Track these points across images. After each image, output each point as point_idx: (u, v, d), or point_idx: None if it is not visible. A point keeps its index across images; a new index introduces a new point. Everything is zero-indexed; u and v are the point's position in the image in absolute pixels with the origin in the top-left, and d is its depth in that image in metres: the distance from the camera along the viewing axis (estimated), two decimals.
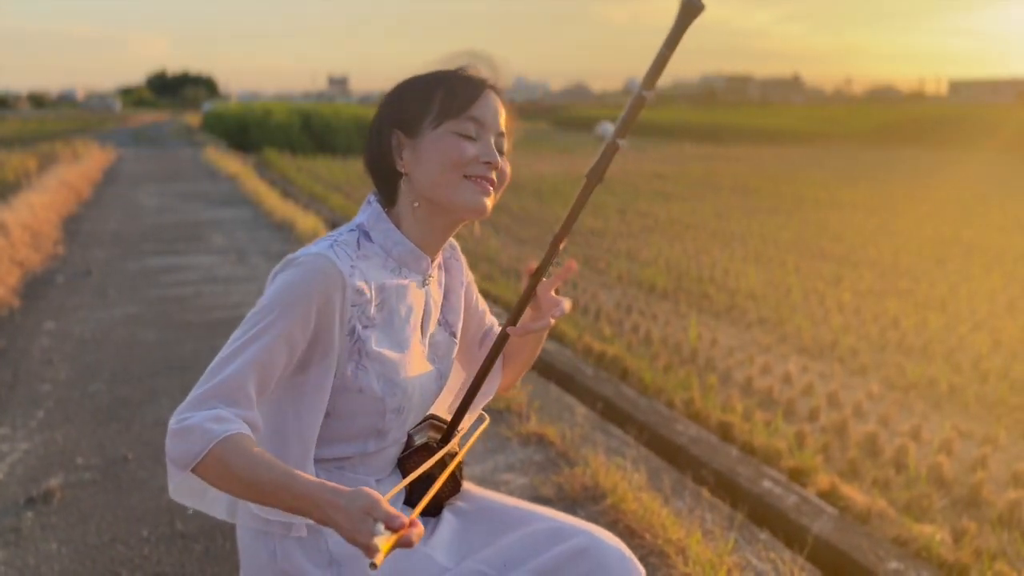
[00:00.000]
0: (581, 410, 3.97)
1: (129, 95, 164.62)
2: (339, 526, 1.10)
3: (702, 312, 6.56)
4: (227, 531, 2.79)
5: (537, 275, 1.43)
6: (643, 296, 7.12)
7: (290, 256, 1.32)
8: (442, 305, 1.51)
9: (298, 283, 1.27)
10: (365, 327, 1.33)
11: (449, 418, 1.52)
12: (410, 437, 1.50)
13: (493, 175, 1.36)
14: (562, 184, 15.58)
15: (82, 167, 16.26)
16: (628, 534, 2.61)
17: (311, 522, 1.31)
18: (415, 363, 1.41)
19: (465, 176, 1.34)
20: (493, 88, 1.38)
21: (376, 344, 1.35)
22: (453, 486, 1.50)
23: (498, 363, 1.58)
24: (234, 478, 1.16)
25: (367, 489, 1.10)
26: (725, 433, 4.09)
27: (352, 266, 1.32)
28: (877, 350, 5.52)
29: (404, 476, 1.44)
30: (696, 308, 6.68)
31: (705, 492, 3.10)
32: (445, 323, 1.51)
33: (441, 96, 1.34)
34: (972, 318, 6.21)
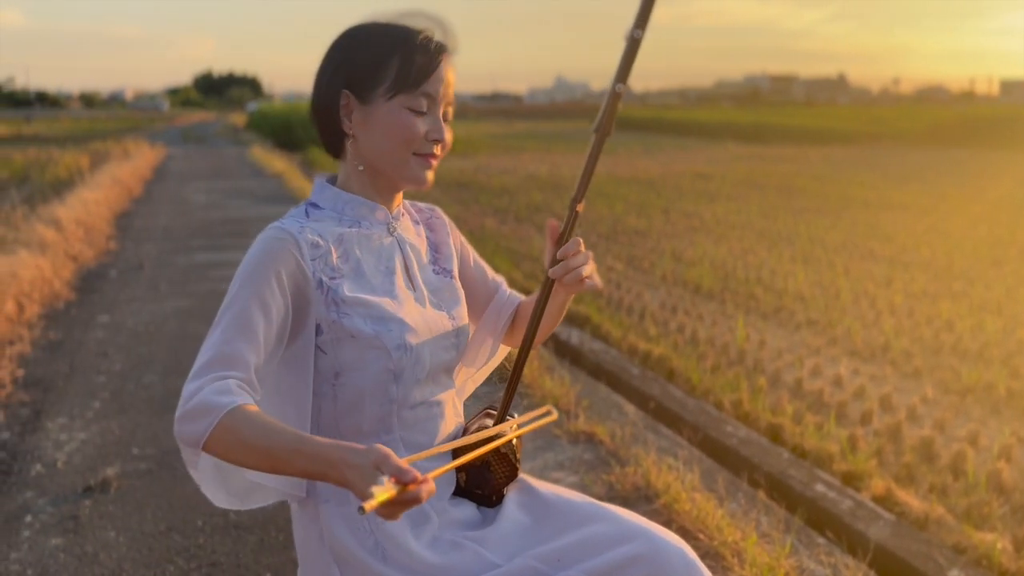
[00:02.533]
0: (630, 409, 3.94)
1: (176, 95, 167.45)
2: (351, 483, 1.09)
3: (749, 313, 6.48)
4: (281, 523, 2.82)
5: (561, 240, 1.46)
6: (688, 296, 7.05)
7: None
8: (435, 257, 1.54)
9: (255, 254, 1.33)
10: (332, 278, 1.36)
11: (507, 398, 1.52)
12: (467, 427, 1.50)
13: (438, 149, 1.40)
14: (604, 184, 15.51)
15: (133, 165, 16.58)
16: (682, 534, 2.58)
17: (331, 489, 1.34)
18: (410, 303, 1.42)
19: (414, 153, 1.38)
20: (447, 56, 1.39)
21: (349, 291, 1.36)
22: (509, 471, 1.47)
23: (501, 326, 1.61)
24: (245, 447, 1.17)
25: (379, 445, 1.11)
26: (775, 435, 4.02)
27: (302, 227, 1.36)
28: (931, 353, 5.40)
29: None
30: (743, 309, 6.60)
31: (760, 494, 3.05)
32: (442, 271, 1.53)
33: (397, 65, 1.35)
34: None
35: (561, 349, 5.32)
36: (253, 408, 1.20)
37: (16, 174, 15.54)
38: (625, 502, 2.87)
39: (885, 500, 3.33)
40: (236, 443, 1.17)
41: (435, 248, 1.55)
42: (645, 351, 5.30)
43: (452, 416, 1.50)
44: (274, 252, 1.32)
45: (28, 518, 2.88)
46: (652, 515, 2.75)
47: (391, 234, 1.46)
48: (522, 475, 1.52)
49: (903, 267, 8.08)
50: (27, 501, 3.01)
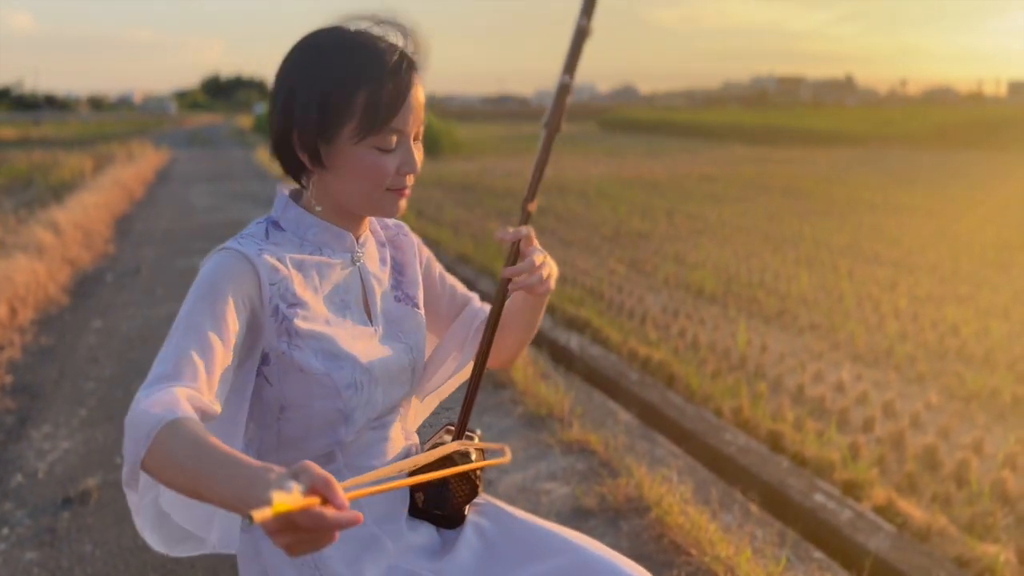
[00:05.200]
0: (625, 417, 3.86)
1: (184, 98, 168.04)
2: (251, 486, 0.90)
3: (752, 317, 6.39)
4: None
5: (515, 247, 1.38)
6: (691, 300, 6.97)
7: (203, 260, 1.27)
8: (399, 281, 1.45)
9: (208, 274, 1.22)
10: (290, 305, 1.26)
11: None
12: (421, 445, 1.43)
13: (411, 179, 1.31)
14: (609, 186, 15.43)
15: (136, 167, 16.57)
16: (673, 550, 2.50)
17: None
18: (365, 340, 1.33)
19: (386, 189, 1.29)
20: (417, 77, 1.28)
21: (305, 321, 1.26)
22: (470, 489, 1.39)
23: (469, 338, 1.52)
24: (174, 465, 0.99)
25: (308, 462, 0.91)
26: (775, 443, 3.94)
27: (260, 250, 1.26)
28: (936, 358, 5.31)
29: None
30: (745, 313, 6.51)
31: (754, 506, 2.97)
32: (405, 297, 1.44)
33: (363, 104, 1.23)
34: None
35: (558, 354, 5.24)
36: (188, 421, 1.05)
37: (19, 177, 15.54)
38: (617, 514, 2.79)
39: (886, 510, 3.24)
40: (168, 460, 1.02)
41: (399, 270, 1.46)
42: (645, 356, 5.22)
43: (400, 437, 1.42)
44: (230, 273, 1.22)
45: (5, 530, 2.82)
46: (644, 529, 2.67)
47: (354, 263, 1.37)
48: (483, 495, 1.44)
49: (908, 270, 7.98)
50: (5, 513, 2.95)
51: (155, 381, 1.13)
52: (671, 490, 2.81)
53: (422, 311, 1.46)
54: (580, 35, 1.32)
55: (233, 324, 1.20)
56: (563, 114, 1.34)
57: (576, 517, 2.80)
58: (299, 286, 1.28)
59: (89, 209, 9.75)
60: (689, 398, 4.55)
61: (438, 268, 1.55)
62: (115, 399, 4.09)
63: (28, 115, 77.06)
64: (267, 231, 1.32)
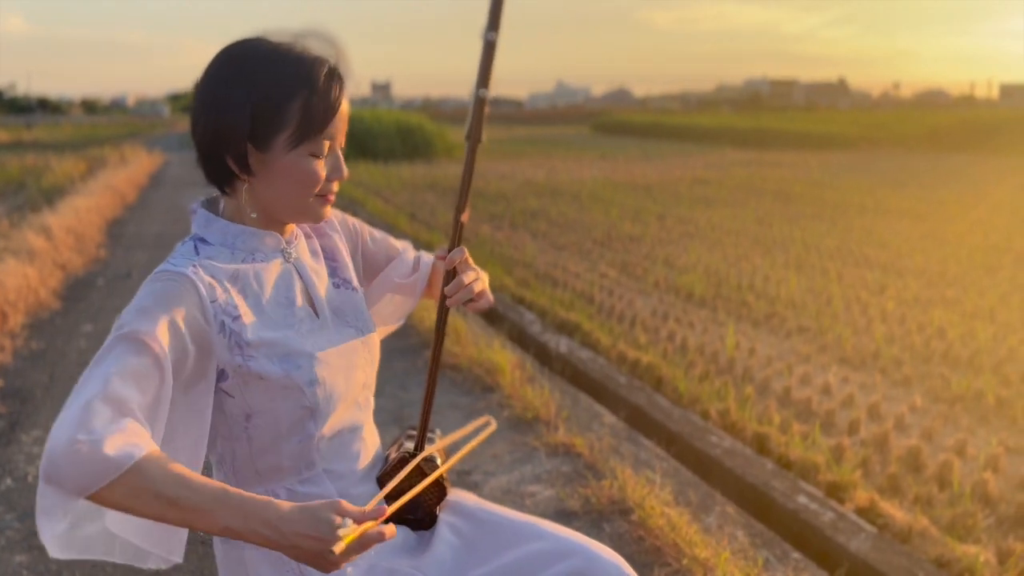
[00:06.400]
0: (611, 420, 3.89)
1: (177, 101, 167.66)
2: (274, 542, 1.05)
3: (740, 320, 6.43)
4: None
5: (449, 255, 1.45)
6: (680, 303, 7.01)
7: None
8: (333, 268, 1.47)
9: (146, 297, 1.20)
10: (235, 318, 1.27)
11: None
12: (389, 454, 1.46)
13: (337, 186, 1.35)
14: (602, 190, 15.47)
15: (129, 171, 16.56)
16: (654, 552, 2.54)
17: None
18: (316, 333, 1.35)
19: (315, 195, 1.32)
20: (344, 85, 1.31)
21: (253, 332, 1.28)
22: (439, 492, 1.44)
23: (418, 285, 1.60)
24: (155, 497, 1.05)
25: (339, 500, 1.10)
26: (761, 446, 3.98)
27: (194, 267, 1.26)
28: (921, 361, 5.35)
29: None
30: (734, 316, 6.55)
31: (734, 508, 3.00)
32: (343, 282, 1.47)
33: (299, 112, 1.25)
34: (1023, 329, 6.01)
35: (546, 358, 5.27)
36: (162, 457, 1.09)
37: (11, 181, 15.52)
38: (600, 516, 2.83)
39: (868, 512, 3.28)
40: (142, 492, 1.05)
41: (331, 257, 1.49)
42: (634, 359, 5.26)
43: (371, 438, 1.47)
44: (171, 295, 1.20)
45: None
46: (626, 531, 2.71)
47: (287, 261, 1.38)
48: (453, 493, 1.49)
49: (897, 274, 8.04)
50: None
51: (87, 410, 1.06)
52: (653, 492, 2.85)
53: (360, 291, 1.49)
54: (489, 48, 1.38)
55: (176, 344, 1.18)
56: (482, 125, 1.40)
57: (560, 519, 2.83)
58: (239, 297, 1.29)
59: (81, 213, 9.76)
60: (676, 401, 4.59)
61: (367, 230, 1.59)
62: None
63: (20, 118, 76.82)
64: (196, 248, 1.31)
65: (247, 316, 1.29)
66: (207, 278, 1.26)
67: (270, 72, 1.26)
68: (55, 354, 4.98)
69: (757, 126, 40.45)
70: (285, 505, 1.09)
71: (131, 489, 1.05)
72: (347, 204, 13.02)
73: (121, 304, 5.01)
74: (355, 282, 1.50)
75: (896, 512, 3.25)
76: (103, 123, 68.81)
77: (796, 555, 2.68)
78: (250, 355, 1.27)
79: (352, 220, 1.56)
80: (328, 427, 1.35)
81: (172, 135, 45.55)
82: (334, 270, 1.48)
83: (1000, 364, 5.22)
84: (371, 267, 1.58)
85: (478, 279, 1.44)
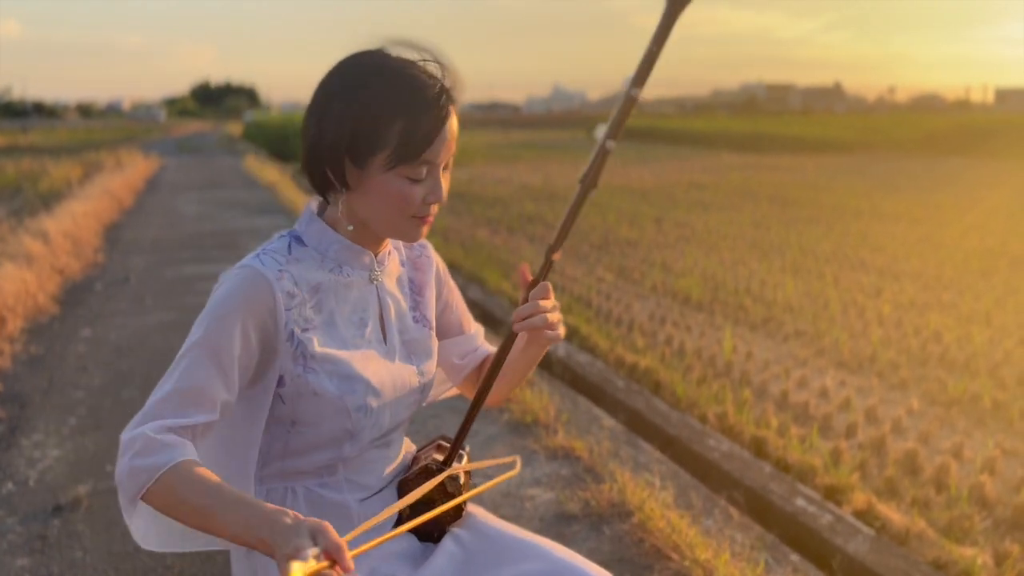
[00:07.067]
0: (609, 423, 3.91)
1: (174, 105, 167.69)
2: (276, 548, 1.04)
3: (738, 324, 6.45)
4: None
5: (532, 286, 1.42)
6: (677, 307, 7.03)
7: (224, 273, 1.31)
8: (416, 302, 1.47)
9: (225, 297, 1.26)
10: (304, 329, 1.29)
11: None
12: (416, 457, 1.47)
13: (435, 208, 1.33)
14: (598, 194, 15.39)
15: (125, 176, 16.55)
16: (654, 554, 2.55)
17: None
18: (378, 360, 1.37)
19: (411, 216, 1.31)
20: (452, 108, 1.28)
21: (320, 345, 1.30)
22: (455, 512, 1.45)
23: (464, 371, 1.57)
24: (183, 505, 1.13)
25: (321, 522, 1.06)
26: (759, 449, 3.99)
27: (280, 271, 1.29)
28: (918, 364, 5.38)
29: (400, 498, 1.40)
30: (732, 320, 6.57)
31: (735, 511, 3.02)
32: (422, 318, 1.47)
33: (399, 132, 1.23)
34: (1018, 332, 6.03)
35: (545, 362, 5.29)
36: (195, 464, 1.16)
37: (8, 186, 15.51)
38: (600, 519, 2.84)
39: (866, 514, 3.30)
40: (174, 501, 1.14)
41: (417, 291, 1.48)
42: (632, 363, 5.27)
43: (400, 453, 1.49)
44: (249, 296, 1.25)
45: None
46: (626, 533, 2.72)
47: (371, 281, 1.39)
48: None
49: (893, 277, 8.07)
50: None
51: (161, 409, 1.21)
52: (653, 495, 2.86)
53: (434, 334, 1.49)
54: (629, 102, 1.34)
55: (245, 348, 1.25)
56: (600, 173, 1.37)
57: (559, 522, 2.85)
58: (314, 310, 1.31)
59: (78, 218, 9.75)
60: (674, 405, 4.61)
61: (456, 294, 1.58)
62: (104, 408, 4.12)
63: (16, 123, 76.74)
64: (290, 246, 1.33)
65: (318, 329, 1.31)
66: (289, 286, 1.28)
67: (376, 90, 1.24)
68: (54, 359, 4.98)
69: (753, 130, 40.55)
70: (279, 510, 1.09)
71: (163, 497, 1.14)
72: None
73: (120, 309, 5.01)
74: (433, 323, 1.49)
75: (894, 514, 3.27)
76: (99, 127, 68.74)
77: (795, 557, 2.69)
78: (311, 368, 1.30)
79: (445, 272, 1.56)
80: (361, 448, 1.39)
81: (168, 139, 45.53)
82: (417, 304, 1.47)
83: (996, 367, 5.24)
84: (440, 330, 1.56)
85: (555, 308, 1.42)
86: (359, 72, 1.26)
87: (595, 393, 4.71)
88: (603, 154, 1.36)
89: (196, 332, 1.25)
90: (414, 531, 1.43)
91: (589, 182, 1.38)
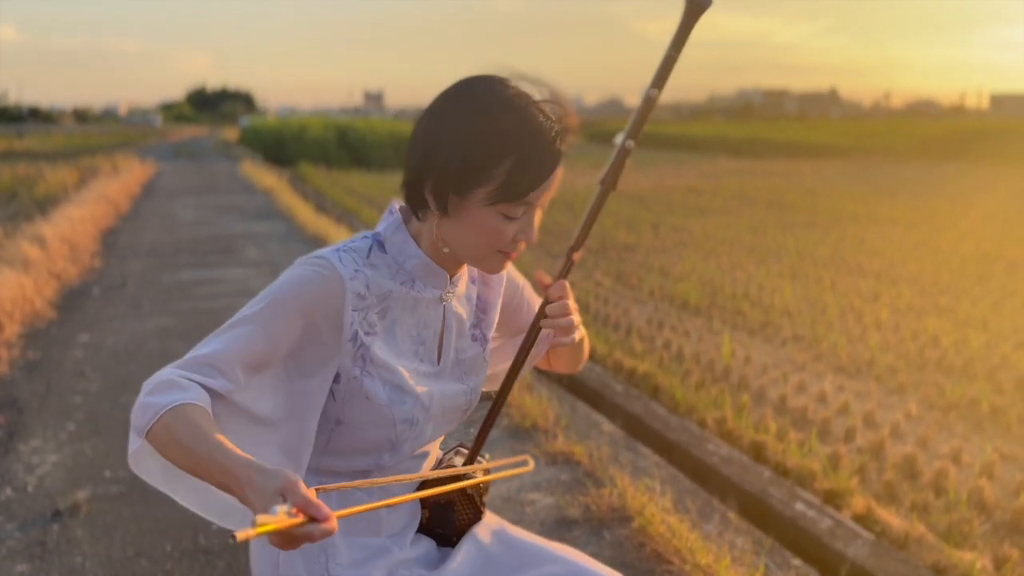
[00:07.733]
0: (609, 428, 3.91)
1: (170, 110, 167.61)
2: (251, 505, 1.03)
3: (736, 329, 6.46)
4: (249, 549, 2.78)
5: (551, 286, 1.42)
6: (675, 312, 7.03)
7: (302, 257, 1.31)
8: (479, 319, 1.46)
9: (295, 281, 1.26)
10: (367, 333, 1.29)
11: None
12: (440, 460, 1.48)
13: (523, 246, 1.31)
14: None
15: (121, 181, 16.53)
16: (655, 558, 2.55)
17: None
18: (430, 377, 1.37)
19: (497, 251, 1.29)
20: (562, 154, 1.25)
21: (380, 351, 1.31)
22: (473, 514, 1.46)
23: (540, 351, 1.54)
24: (178, 447, 1.13)
25: (289, 472, 1.03)
26: (758, 453, 4.00)
27: (356, 271, 1.28)
28: (916, 369, 5.39)
29: (422, 498, 1.41)
30: (730, 325, 6.58)
31: (735, 515, 3.02)
32: (481, 336, 1.46)
33: (507, 171, 1.21)
34: (1015, 336, 6.05)
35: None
36: (198, 408, 1.15)
37: (4, 191, 15.48)
38: (600, 524, 2.84)
39: (865, 519, 3.30)
40: (168, 439, 1.13)
41: (482, 309, 1.47)
42: (630, 368, 5.28)
43: (432, 460, 1.49)
44: (317, 288, 1.25)
45: None
46: (626, 538, 2.72)
47: (441, 302, 1.38)
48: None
49: (890, 282, 8.09)
50: None
51: (190, 363, 1.22)
52: (653, 500, 2.86)
53: (488, 352, 1.48)
54: (648, 103, 1.35)
55: (293, 335, 1.25)
56: (619, 175, 1.37)
57: (560, 527, 2.85)
58: (380, 316, 1.31)
59: (75, 223, 9.74)
60: (673, 409, 4.61)
61: (529, 291, 1.57)
62: (102, 413, 4.11)
63: (12, 128, 76.66)
64: (371, 249, 1.32)
65: (380, 335, 1.31)
66: (360, 287, 1.28)
67: (491, 124, 1.21)
68: (51, 364, 4.97)
69: (750, 135, 40.65)
70: (254, 464, 1.06)
71: (162, 438, 1.14)
72: (341, 214, 13.03)
73: (117, 314, 5.01)
74: (490, 340, 1.48)
75: (893, 519, 3.28)
76: (95, 132, 68.65)
77: (796, 562, 2.70)
78: (368, 372, 1.30)
79: (516, 275, 1.54)
80: (400, 458, 1.39)
81: (165, 145, 45.48)
82: (478, 321, 1.46)
83: (994, 371, 5.26)
84: (516, 326, 1.56)
85: (576, 312, 1.42)
86: (483, 101, 1.23)
87: (594, 398, 4.71)
88: (623, 154, 1.36)
89: (255, 305, 1.25)
90: (435, 535, 1.45)
91: (609, 183, 1.38)
